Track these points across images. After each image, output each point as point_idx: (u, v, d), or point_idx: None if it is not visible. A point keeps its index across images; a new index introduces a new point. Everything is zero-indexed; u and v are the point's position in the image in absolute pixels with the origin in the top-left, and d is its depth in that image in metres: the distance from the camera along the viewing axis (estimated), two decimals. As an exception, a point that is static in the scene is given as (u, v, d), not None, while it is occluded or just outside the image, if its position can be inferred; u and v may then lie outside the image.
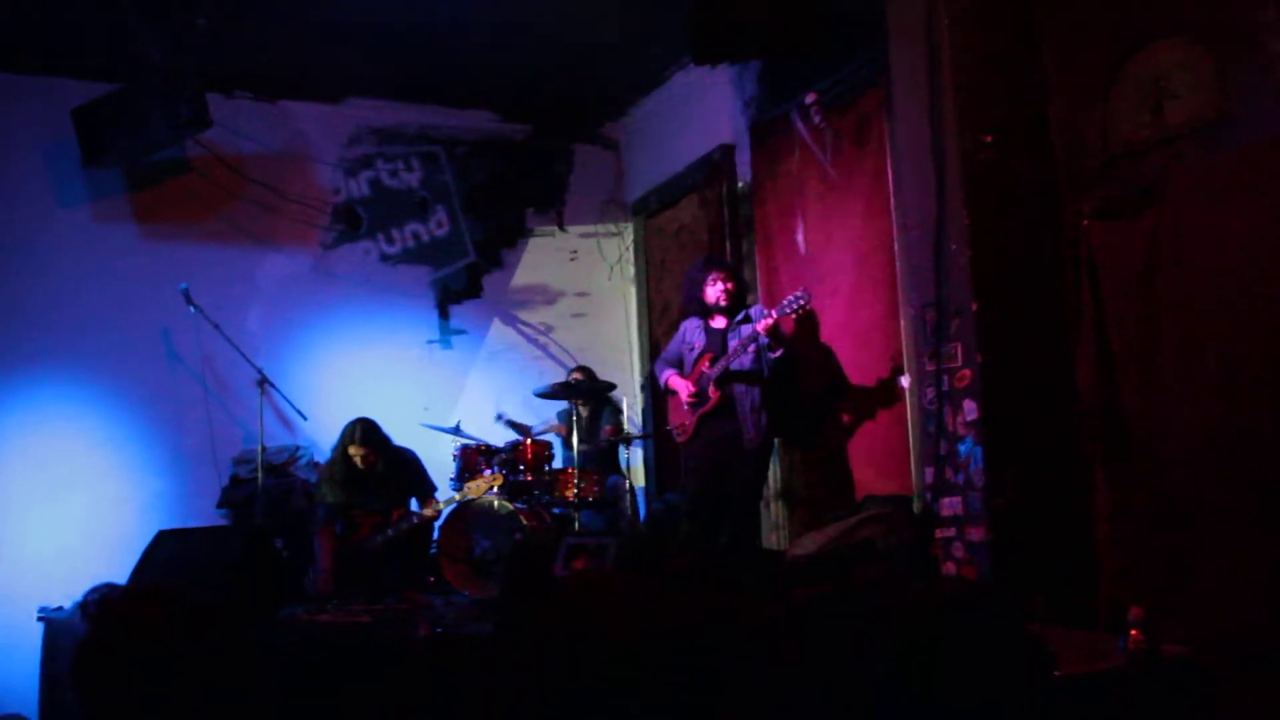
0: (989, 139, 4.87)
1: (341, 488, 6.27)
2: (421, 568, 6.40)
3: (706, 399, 5.79)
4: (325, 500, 6.31)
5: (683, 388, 5.86)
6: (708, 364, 5.82)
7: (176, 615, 2.02)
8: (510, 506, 6.44)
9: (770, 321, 5.63)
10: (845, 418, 6.21)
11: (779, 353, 5.75)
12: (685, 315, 6.30)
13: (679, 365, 6.04)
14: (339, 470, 6.27)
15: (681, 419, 5.94)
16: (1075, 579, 4.60)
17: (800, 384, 6.48)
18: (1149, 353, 4.45)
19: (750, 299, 6.18)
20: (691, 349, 5.96)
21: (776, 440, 6.46)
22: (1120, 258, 4.54)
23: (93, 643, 2.00)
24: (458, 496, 6.32)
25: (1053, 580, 4.49)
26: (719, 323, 5.96)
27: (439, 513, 6.26)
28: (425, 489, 6.45)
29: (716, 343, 5.92)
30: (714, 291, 5.90)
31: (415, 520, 6.18)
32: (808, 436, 6.58)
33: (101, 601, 2.07)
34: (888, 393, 5.89)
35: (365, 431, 6.28)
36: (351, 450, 6.24)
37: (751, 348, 5.72)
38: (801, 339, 6.45)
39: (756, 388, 5.82)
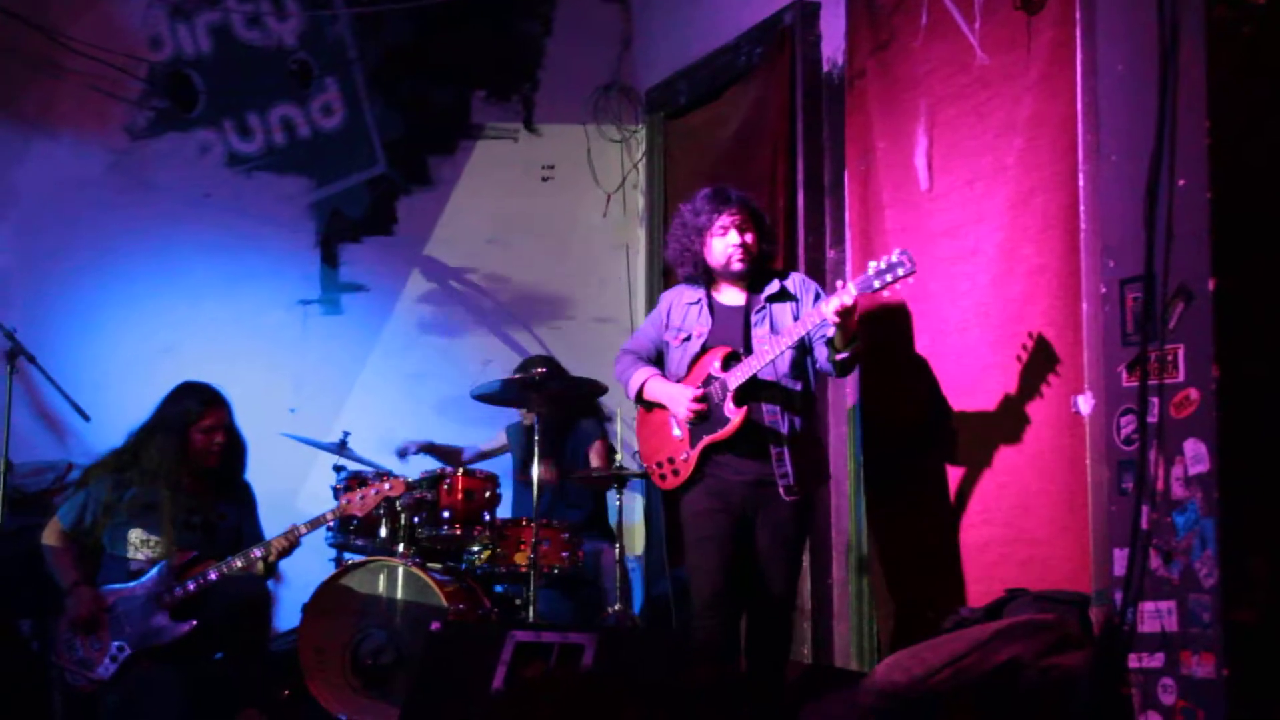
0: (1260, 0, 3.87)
1: (167, 492, 4.87)
2: (260, 666, 5.03)
3: (721, 421, 4.62)
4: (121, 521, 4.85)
5: (678, 400, 4.71)
6: (718, 363, 4.71)
7: None
8: (424, 578, 5.19)
9: (850, 301, 4.39)
10: (972, 458, 4.97)
11: (846, 353, 4.57)
12: (670, 282, 5.37)
13: (659, 362, 5.03)
14: (157, 477, 4.85)
15: (671, 449, 4.78)
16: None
17: (893, 402, 5.27)
18: None
19: (778, 264, 5.15)
20: (685, 337, 4.87)
21: (861, 492, 5.30)
22: None
23: None
24: (330, 516, 4.99)
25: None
26: (732, 296, 4.84)
27: (292, 545, 4.88)
28: (249, 535, 5.07)
29: (733, 329, 4.79)
30: (725, 246, 4.72)
31: (257, 559, 4.80)
32: (905, 486, 5.29)
33: None
34: (1050, 421, 4.72)
35: (216, 396, 5.03)
36: (204, 425, 4.93)
37: (792, 344, 4.59)
38: (895, 328, 5.25)
39: (798, 409, 4.71)
